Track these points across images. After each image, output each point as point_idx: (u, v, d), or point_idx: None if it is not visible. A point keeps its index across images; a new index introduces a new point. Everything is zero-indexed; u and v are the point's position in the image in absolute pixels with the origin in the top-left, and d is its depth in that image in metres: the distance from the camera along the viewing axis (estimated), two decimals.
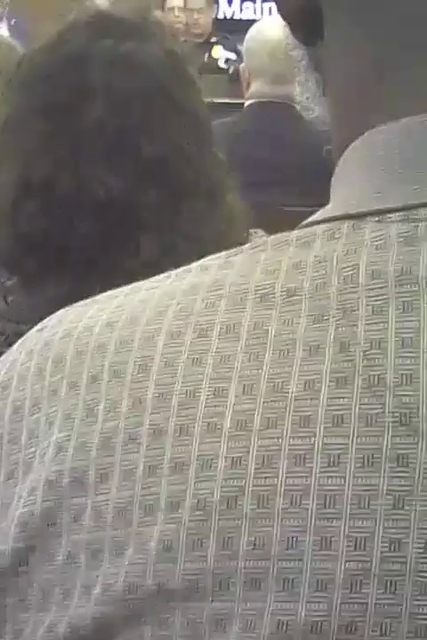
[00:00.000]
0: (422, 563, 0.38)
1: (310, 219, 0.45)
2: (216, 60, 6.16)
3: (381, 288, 0.41)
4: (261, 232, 1.31)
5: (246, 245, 0.45)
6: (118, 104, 1.24)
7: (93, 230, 1.22)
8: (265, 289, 0.43)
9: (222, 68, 6.01)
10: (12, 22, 6.62)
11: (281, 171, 2.72)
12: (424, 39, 0.43)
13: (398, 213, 0.43)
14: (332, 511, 0.39)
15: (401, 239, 0.42)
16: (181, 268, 0.46)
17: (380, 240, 0.42)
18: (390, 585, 0.38)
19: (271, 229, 0.46)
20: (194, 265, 0.46)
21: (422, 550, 0.38)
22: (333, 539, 0.39)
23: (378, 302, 0.41)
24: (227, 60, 6.09)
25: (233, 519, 0.40)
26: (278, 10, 0.48)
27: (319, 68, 0.48)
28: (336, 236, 0.43)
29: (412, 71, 0.44)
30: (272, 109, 2.88)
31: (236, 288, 0.43)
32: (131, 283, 0.47)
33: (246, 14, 7.66)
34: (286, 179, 2.70)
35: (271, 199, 2.52)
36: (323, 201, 0.47)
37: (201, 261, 0.46)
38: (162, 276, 0.46)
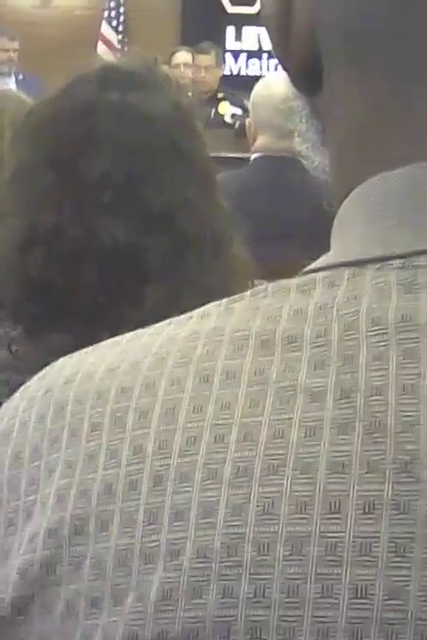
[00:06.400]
0: (423, 610, 0.37)
1: (311, 266, 0.46)
2: (222, 115, 6.21)
3: (381, 335, 0.41)
4: (265, 283, 1.31)
5: (247, 292, 0.45)
6: (125, 155, 1.25)
7: (100, 279, 1.22)
8: (266, 335, 0.43)
9: (228, 123, 6.06)
10: (20, 77, 6.71)
11: (286, 224, 2.73)
12: (420, 90, 0.44)
13: (398, 260, 0.43)
14: (333, 559, 0.38)
15: (401, 286, 0.42)
16: (183, 315, 0.46)
17: (380, 287, 0.42)
18: (392, 633, 0.38)
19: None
20: (195, 312, 0.46)
21: (423, 598, 0.38)
22: (334, 586, 0.38)
23: (379, 349, 0.41)
24: (233, 116, 6.15)
25: (234, 567, 0.39)
26: (279, 60, 0.48)
27: (320, 117, 0.49)
28: (337, 282, 0.43)
29: (410, 120, 0.44)
30: (278, 163, 2.90)
31: (236, 334, 0.43)
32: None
33: (252, 70, 7.75)
34: (292, 232, 2.70)
35: (277, 252, 2.52)
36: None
37: (202, 308, 0.46)
38: (163, 322, 0.46)
